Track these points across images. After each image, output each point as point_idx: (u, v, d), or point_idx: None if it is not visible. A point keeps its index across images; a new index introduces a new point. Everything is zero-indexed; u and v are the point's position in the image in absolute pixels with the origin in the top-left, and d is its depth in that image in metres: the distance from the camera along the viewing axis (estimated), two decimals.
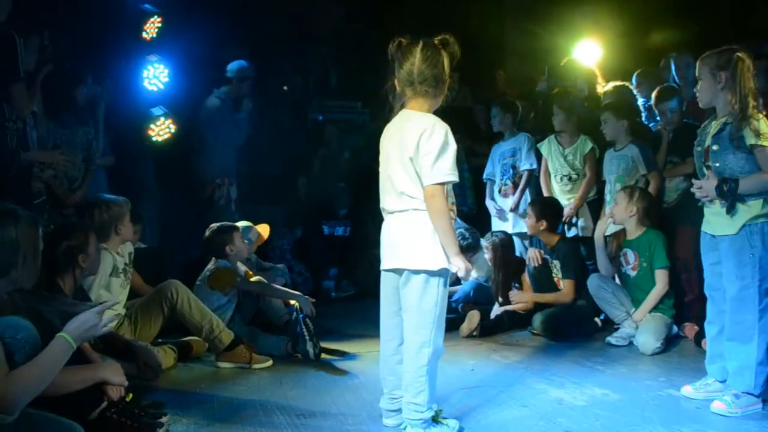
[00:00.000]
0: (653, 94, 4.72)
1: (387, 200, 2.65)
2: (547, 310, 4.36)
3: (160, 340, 3.80)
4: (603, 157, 4.81)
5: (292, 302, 4.20)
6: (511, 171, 5.35)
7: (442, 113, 2.64)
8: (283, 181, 7.09)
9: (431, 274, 2.53)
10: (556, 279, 4.58)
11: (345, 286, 6.04)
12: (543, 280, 4.64)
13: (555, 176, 5.07)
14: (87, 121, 4.67)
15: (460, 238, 4.90)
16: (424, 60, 2.55)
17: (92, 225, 3.42)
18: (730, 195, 2.84)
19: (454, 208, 2.71)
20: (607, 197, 4.69)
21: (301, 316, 3.87)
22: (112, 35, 5.25)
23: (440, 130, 2.51)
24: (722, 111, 2.96)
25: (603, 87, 5.39)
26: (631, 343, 4.06)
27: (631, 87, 5.27)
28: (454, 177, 2.51)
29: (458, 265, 2.53)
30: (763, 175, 2.83)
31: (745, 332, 2.88)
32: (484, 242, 4.95)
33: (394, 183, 2.59)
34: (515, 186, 5.30)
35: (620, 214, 4.26)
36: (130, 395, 2.70)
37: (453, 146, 2.52)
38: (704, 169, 3.00)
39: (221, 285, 4.04)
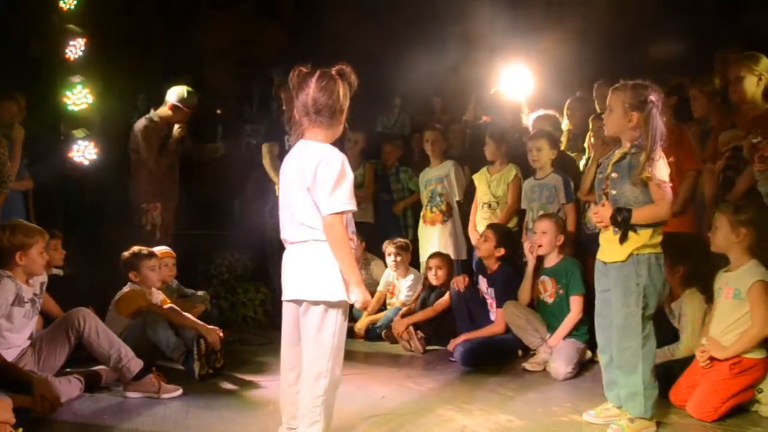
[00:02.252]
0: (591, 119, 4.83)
1: (287, 231, 2.64)
2: (470, 342, 4.35)
3: (68, 369, 3.69)
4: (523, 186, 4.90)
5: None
6: (437, 198, 5.41)
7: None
8: (218, 205, 7.04)
9: (330, 305, 2.54)
10: (489, 302, 4.61)
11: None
12: (465, 307, 4.64)
13: (481, 204, 5.15)
14: None
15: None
16: (320, 89, 2.56)
17: None
18: (623, 224, 2.91)
19: (354, 237, 2.71)
20: (530, 225, 4.77)
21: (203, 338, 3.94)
22: (33, 55, 5.16)
23: (336, 160, 2.52)
24: (626, 142, 3.04)
25: (527, 116, 5.51)
26: (545, 369, 4.11)
27: (557, 116, 5.41)
28: (352, 206, 2.53)
29: (356, 296, 2.53)
30: (654, 207, 2.92)
31: (630, 359, 2.95)
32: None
33: (293, 214, 2.59)
34: (442, 214, 5.36)
35: (550, 243, 4.32)
36: (20, 431, 2.60)
37: (350, 175, 2.54)
38: (603, 196, 3.08)
39: (128, 310, 3.96)
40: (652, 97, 2.94)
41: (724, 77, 4.10)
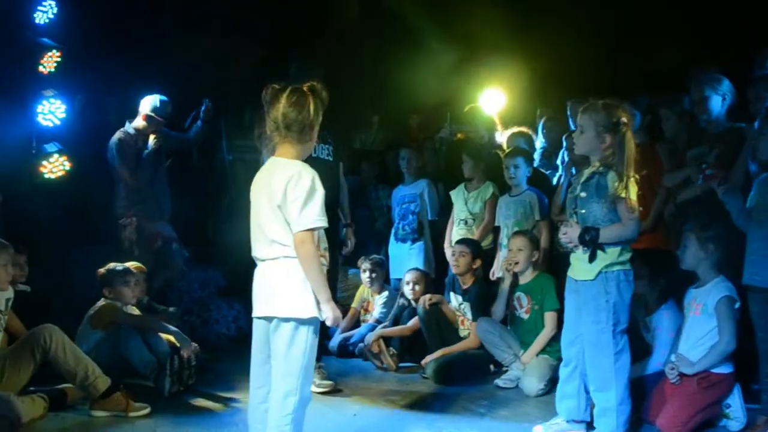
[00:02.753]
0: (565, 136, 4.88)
1: (258, 248, 2.63)
2: (442, 359, 4.35)
3: (32, 388, 3.61)
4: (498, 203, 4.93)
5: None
6: (410, 216, 5.41)
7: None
8: (193, 222, 6.98)
9: (301, 322, 2.52)
10: (460, 319, 4.60)
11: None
12: (435, 325, 4.64)
13: (457, 220, 5.16)
14: None
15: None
16: (290, 105, 2.56)
17: None
18: (591, 243, 2.95)
19: (326, 254, 2.70)
20: (504, 241, 4.79)
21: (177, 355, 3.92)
22: (4, 68, 5.09)
23: (306, 177, 2.52)
24: (595, 161, 3.07)
25: (501, 133, 5.56)
26: (518, 385, 4.11)
27: (531, 133, 5.46)
28: (323, 222, 2.52)
29: (327, 313, 2.52)
30: (621, 226, 2.96)
31: (603, 376, 2.98)
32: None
33: (264, 231, 2.57)
34: (413, 232, 5.37)
35: (526, 260, 4.34)
36: None
37: (320, 192, 2.53)
38: (573, 215, 3.11)
39: (101, 322, 3.95)
40: (624, 119, 2.99)
41: (692, 96, 4.19)
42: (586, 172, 3.10)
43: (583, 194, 3.05)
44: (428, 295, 4.65)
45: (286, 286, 2.54)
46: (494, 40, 6.17)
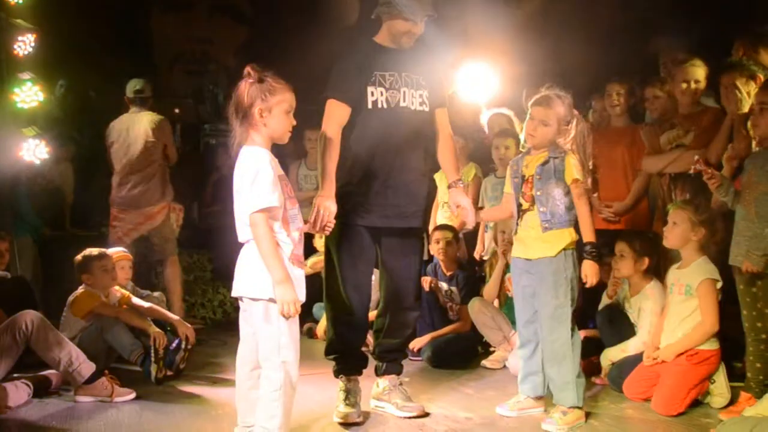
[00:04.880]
0: None
1: (238, 232, 2.63)
2: (437, 342, 4.35)
3: (15, 375, 3.57)
4: (484, 184, 4.93)
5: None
6: None
7: None
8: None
9: (270, 301, 2.51)
10: (449, 305, 4.61)
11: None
12: (427, 309, 4.62)
13: (441, 203, 5.14)
14: None
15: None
16: (234, 93, 2.58)
17: None
18: (598, 252, 3.14)
19: (299, 233, 2.66)
20: (490, 223, 4.79)
21: (176, 340, 3.93)
22: None
23: (250, 158, 2.54)
24: (546, 148, 3.17)
25: (483, 114, 5.52)
26: (505, 365, 4.13)
27: (511, 115, 5.44)
28: (271, 201, 2.49)
29: (278, 294, 2.47)
30: (585, 212, 3.13)
31: (560, 350, 3.10)
32: None
33: (237, 215, 2.59)
34: None
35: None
36: None
37: (266, 171, 2.51)
38: (521, 198, 3.19)
39: (80, 310, 3.90)
40: (576, 112, 3.18)
41: (669, 79, 4.21)
42: (536, 158, 3.18)
43: (538, 177, 3.14)
44: (427, 278, 4.63)
45: (249, 267, 2.56)
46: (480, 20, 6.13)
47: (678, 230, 3.40)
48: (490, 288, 4.49)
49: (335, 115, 3.19)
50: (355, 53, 3.30)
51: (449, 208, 4.96)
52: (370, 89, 3.21)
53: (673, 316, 3.44)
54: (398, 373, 3.39)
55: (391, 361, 3.39)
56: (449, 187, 3.38)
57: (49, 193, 5.93)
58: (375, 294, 3.75)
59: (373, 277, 5.08)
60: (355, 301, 3.27)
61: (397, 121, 3.22)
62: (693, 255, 3.40)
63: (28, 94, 5.02)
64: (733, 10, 5.15)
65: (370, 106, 3.21)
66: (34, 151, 5.03)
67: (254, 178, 2.49)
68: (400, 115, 3.23)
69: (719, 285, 3.32)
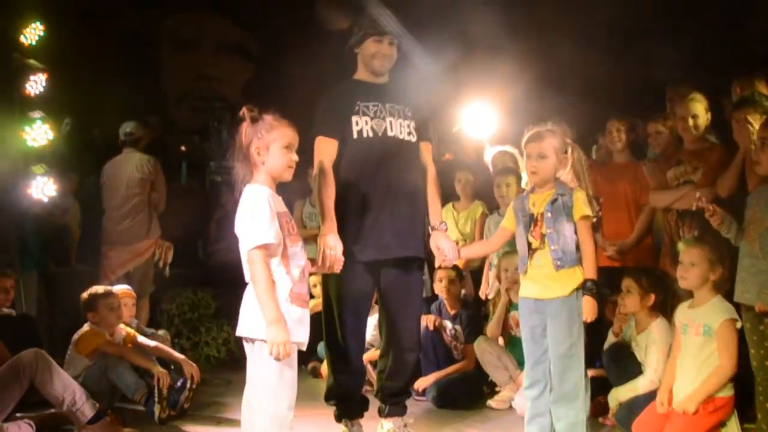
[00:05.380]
0: None
1: (244, 270, 2.62)
2: (442, 382, 4.32)
3: (18, 414, 3.55)
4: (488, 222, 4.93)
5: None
6: None
7: None
8: (182, 243, 6.95)
9: (263, 342, 2.48)
10: (453, 344, 4.59)
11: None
12: (431, 348, 4.60)
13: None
14: None
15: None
16: (238, 133, 2.61)
17: None
18: (599, 290, 3.12)
19: (304, 270, 2.65)
20: (494, 260, 4.79)
21: (182, 380, 3.91)
22: None
23: (250, 196, 2.55)
24: (551, 185, 3.17)
25: (487, 152, 5.56)
26: (511, 406, 4.08)
27: (515, 153, 5.47)
28: (267, 238, 2.48)
29: (269, 336, 2.43)
30: (590, 250, 3.11)
31: (572, 389, 3.05)
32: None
33: (241, 254, 2.58)
34: None
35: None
36: None
37: (262, 208, 2.50)
38: (530, 236, 3.16)
39: (84, 348, 3.91)
40: (569, 140, 3.19)
41: (672, 114, 4.25)
42: (544, 195, 3.17)
43: (549, 214, 3.12)
44: (431, 316, 4.61)
45: (247, 306, 2.56)
46: (481, 60, 6.22)
47: (697, 271, 3.28)
48: (493, 326, 4.45)
49: (324, 150, 3.21)
50: (336, 88, 3.36)
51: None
52: (354, 119, 3.24)
53: (689, 358, 3.31)
54: (402, 414, 3.36)
55: (395, 403, 3.35)
56: (432, 229, 3.35)
57: (55, 229, 5.96)
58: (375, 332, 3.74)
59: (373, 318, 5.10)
60: (352, 349, 3.25)
61: (385, 149, 3.24)
62: (708, 294, 3.29)
63: (38, 133, 5.09)
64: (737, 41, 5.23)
65: (355, 135, 3.23)
66: (42, 188, 5.07)
67: (252, 215, 2.50)
68: (389, 143, 3.25)
69: (739, 325, 3.22)
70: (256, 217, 2.49)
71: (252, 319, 2.51)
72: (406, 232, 3.25)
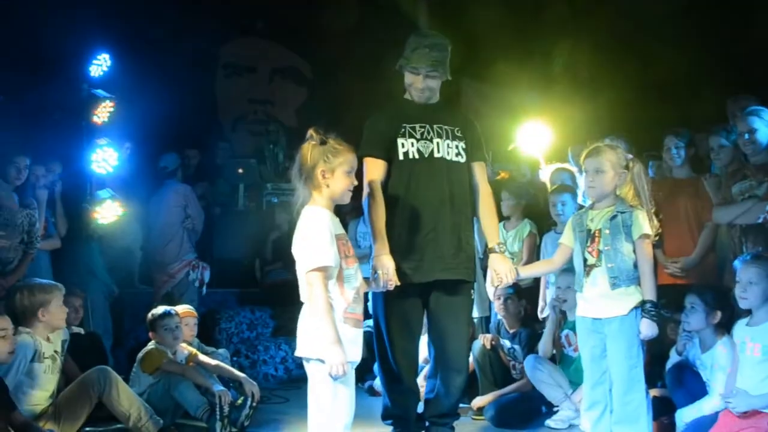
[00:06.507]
0: None
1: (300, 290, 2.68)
2: (500, 401, 4.28)
3: (87, 429, 3.68)
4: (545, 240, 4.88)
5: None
6: None
7: None
8: (240, 263, 7.12)
9: (320, 361, 2.52)
10: (511, 363, 4.55)
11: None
12: (489, 366, 4.57)
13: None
14: (30, 203, 4.66)
15: None
16: (300, 154, 2.66)
17: (13, 310, 3.39)
18: (658, 311, 3.06)
19: (357, 293, 2.65)
20: (552, 278, 4.73)
21: (242, 398, 3.97)
22: (62, 119, 5.34)
23: (310, 218, 2.59)
24: (611, 201, 3.14)
25: (544, 171, 5.52)
26: (570, 426, 4.00)
27: (573, 170, 5.42)
28: (326, 261, 2.51)
29: (327, 356, 2.47)
30: (648, 270, 3.08)
31: (634, 411, 3.01)
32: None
33: (298, 274, 2.63)
34: None
35: (572, 296, 4.26)
36: None
37: (322, 231, 2.55)
38: (587, 253, 3.12)
39: (149, 367, 4.01)
40: (631, 156, 3.17)
41: (740, 129, 4.13)
42: (605, 211, 3.14)
43: (606, 231, 3.08)
44: (489, 335, 4.58)
45: (303, 326, 2.60)
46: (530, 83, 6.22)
47: (757, 289, 3.18)
48: (543, 344, 4.38)
49: (373, 171, 3.24)
50: (384, 110, 3.39)
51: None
52: (400, 141, 3.25)
53: (747, 378, 3.21)
54: None
55: (443, 425, 3.34)
56: (490, 251, 3.30)
57: (119, 251, 6.18)
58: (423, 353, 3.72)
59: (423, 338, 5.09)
60: (403, 368, 3.26)
61: (432, 171, 3.24)
62: (767, 311, 3.22)
63: (104, 159, 5.31)
64: None
65: (401, 157, 3.25)
66: (107, 211, 5.27)
67: (311, 238, 2.54)
68: (436, 165, 3.25)
69: None
70: (315, 239, 2.54)
71: (310, 340, 2.55)
72: (451, 255, 3.24)
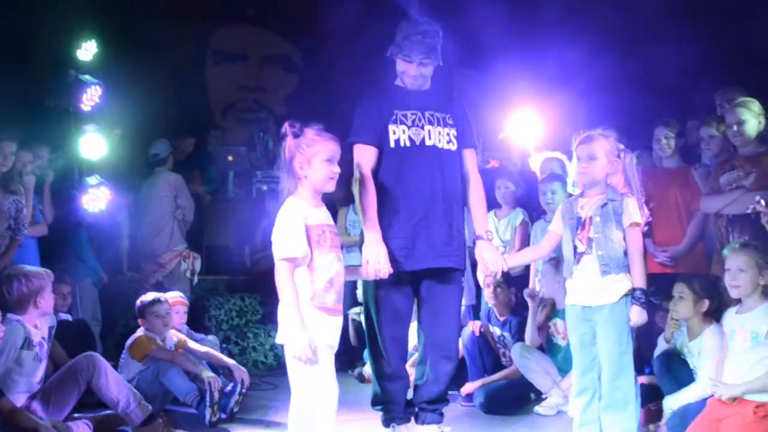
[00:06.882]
0: None
1: None
2: (490, 388, 4.30)
3: (76, 415, 3.67)
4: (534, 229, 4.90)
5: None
6: None
7: None
8: (230, 251, 7.10)
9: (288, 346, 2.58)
10: (501, 351, 4.57)
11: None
12: (479, 354, 4.59)
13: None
14: (17, 190, 4.62)
15: None
16: (282, 148, 2.71)
17: (10, 298, 3.38)
18: (647, 298, 3.09)
19: (333, 284, 2.67)
20: (540, 267, 4.74)
21: (232, 384, 3.99)
22: (49, 105, 5.30)
23: (283, 210, 2.65)
24: (602, 189, 3.15)
25: (533, 159, 5.53)
26: (558, 412, 4.03)
27: (564, 159, 5.42)
28: (289, 252, 2.56)
29: (291, 341, 2.53)
30: (639, 257, 3.10)
31: (623, 397, 3.03)
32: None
33: None
34: None
35: (549, 285, 4.30)
36: None
37: (290, 223, 2.59)
38: (577, 240, 3.13)
39: (138, 353, 4.01)
40: (622, 146, 3.18)
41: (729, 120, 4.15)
42: (595, 199, 3.15)
43: (597, 219, 3.10)
44: (477, 322, 4.60)
45: (281, 314, 2.64)
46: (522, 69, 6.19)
47: (746, 276, 3.18)
48: (529, 334, 4.40)
49: (363, 158, 3.22)
50: (374, 95, 3.35)
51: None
52: (391, 128, 3.23)
53: (736, 365, 3.21)
54: (439, 422, 3.34)
55: (432, 411, 3.35)
56: (477, 238, 3.30)
57: (107, 238, 6.15)
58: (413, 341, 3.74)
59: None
60: (393, 355, 3.26)
61: (423, 158, 3.22)
62: (757, 299, 3.20)
63: (92, 145, 5.27)
64: None
65: (392, 145, 3.23)
66: (95, 198, 5.24)
67: (281, 229, 2.60)
68: (427, 153, 3.23)
69: None
70: (284, 231, 2.60)
71: (281, 326, 2.62)
72: (443, 242, 3.23)
